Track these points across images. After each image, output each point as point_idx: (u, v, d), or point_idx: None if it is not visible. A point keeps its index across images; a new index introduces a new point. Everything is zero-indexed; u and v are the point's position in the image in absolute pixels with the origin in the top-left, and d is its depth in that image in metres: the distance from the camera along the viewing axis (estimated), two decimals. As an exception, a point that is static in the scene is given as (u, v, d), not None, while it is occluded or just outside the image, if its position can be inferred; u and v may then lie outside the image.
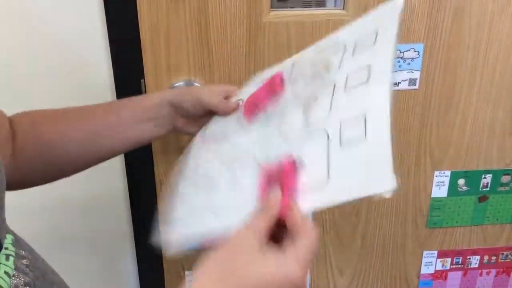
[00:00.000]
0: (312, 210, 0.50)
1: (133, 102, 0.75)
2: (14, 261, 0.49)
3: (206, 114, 0.74)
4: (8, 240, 0.51)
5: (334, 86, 0.57)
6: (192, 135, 0.76)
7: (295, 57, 0.71)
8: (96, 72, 0.98)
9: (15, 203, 0.62)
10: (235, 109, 0.72)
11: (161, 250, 1.15)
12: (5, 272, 0.47)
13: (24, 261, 0.52)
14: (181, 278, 1.19)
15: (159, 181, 1.07)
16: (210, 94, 0.73)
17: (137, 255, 1.14)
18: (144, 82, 0.99)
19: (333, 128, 0.53)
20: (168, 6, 0.94)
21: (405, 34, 1.01)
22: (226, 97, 0.74)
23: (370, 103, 0.51)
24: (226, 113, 0.72)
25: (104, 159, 0.75)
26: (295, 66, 0.68)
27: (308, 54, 0.69)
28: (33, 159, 0.68)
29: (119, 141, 0.73)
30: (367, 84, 0.53)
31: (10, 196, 0.58)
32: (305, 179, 0.52)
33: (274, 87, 0.66)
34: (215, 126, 0.74)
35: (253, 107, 0.67)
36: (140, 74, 0.99)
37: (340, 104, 0.55)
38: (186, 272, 1.19)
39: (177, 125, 0.75)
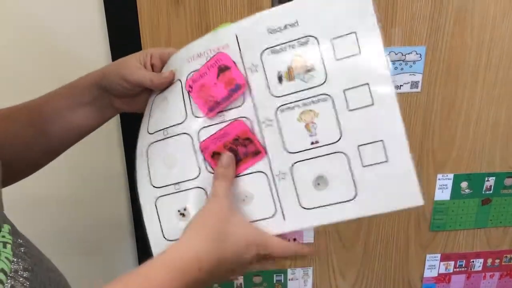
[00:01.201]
0: (340, 221, 0.55)
1: (65, 89, 0.69)
2: (12, 248, 0.51)
3: (134, 89, 0.66)
4: (5, 229, 0.52)
5: (333, 101, 0.55)
6: (139, 113, 0.69)
7: (234, 27, 0.60)
8: (97, 76, 0.98)
9: (15, 197, 0.63)
10: (170, 81, 0.64)
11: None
12: (6, 258, 0.49)
13: (22, 249, 0.53)
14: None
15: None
16: (132, 69, 0.64)
17: (138, 253, 1.14)
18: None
19: (352, 151, 0.55)
20: (168, 10, 0.94)
21: (407, 37, 1.00)
22: (153, 64, 0.66)
23: (384, 129, 0.54)
24: (159, 87, 0.64)
25: (58, 150, 0.71)
26: (243, 45, 0.59)
27: (256, 28, 0.58)
28: None
29: (62, 130, 0.68)
30: (373, 107, 0.54)
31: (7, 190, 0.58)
32: (329, 194, 0.56)
33: (231, 79, 0.59)
34: (159, 113, 0.65)
35: (212, 104, 0.60)
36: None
37: (350, 126, 0.55)
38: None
39: (116, 106, 0.69)
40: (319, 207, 0.56)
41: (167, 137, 0.62)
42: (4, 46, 0.94)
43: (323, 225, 0.56)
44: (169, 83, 0.64)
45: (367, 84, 0.54)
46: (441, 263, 1.24)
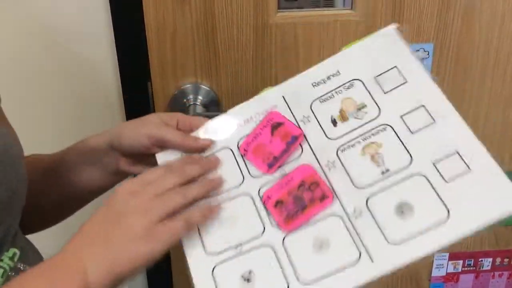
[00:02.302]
0: (437, 250, 0.49)
1: (80, 144, 0.68)
2: (3, 274, 0.50)
3: (152, 149, 0.62)
4: (8, 253, 0.51)
5: (393, 129, 0.55)
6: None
7: (278, 90, 0.62)
8: (103, 75, 0.99)
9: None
10: (205, 148, 0.60)
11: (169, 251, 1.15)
12: None
13: None
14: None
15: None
16: (157, 125, 0.62)
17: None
18: (151, 84, 0.99)
19: (428, 170, 0.52)
20: (174, 8, 0.94)
21: (414, 34, 0.99)
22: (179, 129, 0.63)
23: (454, 140, 0.52)
24: (188, 149, 0.60)
25: (67, 208, 0.71)
26: (291, 103, 0.61)
27: (300, 85, 0.62)
28: None
29: (71, 187, 0.67)
30: (435, 124, 0.53)
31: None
32: (418, 219, 0.50)
33: (286, 132, 0.59)
34: None
35: (271, 160, 0.58)
36: (147, 76, 0.99)
37: (418, 147, 0.54)
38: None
39: (119, 167, 0.66)
40: (409, 238, 0.49)
41: (224, 200, 0.57)
42: (9, 43, 0.94)
43: (419, 259, 0.48)
44: (202, 150, 0.60)
45: (423, 105, 0.55)
46: (449, 262, 1.23)
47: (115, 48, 0.95)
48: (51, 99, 1.00)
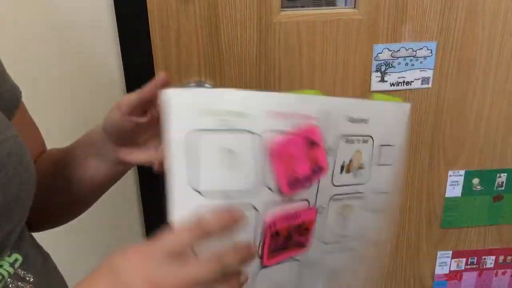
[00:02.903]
0: None
1: (83, 137, 0.65)
2: (1, 280, 0.49)
3: (130, 122, 0.57)
4: (10, 259, 0.50)
5: (366, 201, 0.60)
6: (145, 165, 0.60)
7: (326, 102, 0.58)
8: (107, 74, 0.99)
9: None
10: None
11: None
12: None
13: (20, 284, 0.51)
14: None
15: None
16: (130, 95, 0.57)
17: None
18: (155, 83, 1.00)
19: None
20: (178, 7, 0.94)
21: (418, 33, 0.99)
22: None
23: None
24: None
25: (75, 204, 0.69)
26: (329, 123, 0.56)
27: (339, 111, 0.58)
28: None
29: (77, 181, 0.65)
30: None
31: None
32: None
33: (316, 157, 0.54)
34: (215, 166, 0.50)
35: (293, 180, 0.53)
36: (151, 75, 0.99)
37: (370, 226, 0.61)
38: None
39: (119, 157, 0.61)
40: None
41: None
42: (23, 46, 0.95)
43: None
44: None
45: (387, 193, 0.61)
46: (453, 260, 1.23)
47: (119, 47, 0.96)
48: (55, 99, 1.00)
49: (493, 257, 1.24)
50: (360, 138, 0.60)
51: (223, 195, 0.49)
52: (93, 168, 0.65)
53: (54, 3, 0.93)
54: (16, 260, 0.51)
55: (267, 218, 0.51)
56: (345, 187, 0.58)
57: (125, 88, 0.99)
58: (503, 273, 1.27)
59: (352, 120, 0.59)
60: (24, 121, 0.63)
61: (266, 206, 0.51)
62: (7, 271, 0.50)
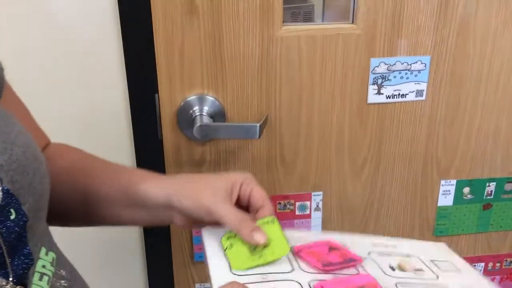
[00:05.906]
0: None
1: (130, 189, 0.62)
2: (48, 281, 0.48)
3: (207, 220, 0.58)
4: (48, 258, 0.49)
5: None
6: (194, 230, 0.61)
7: (368, 243, 0.66)
8: (111, 87, 0.99)
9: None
10: (257, 243, 0.55)
11: (171, 262, 1.16)
12: None
13: (63, 282, 0.51)
14: (190, 290, 1.19)
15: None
16: (217, 199, 0.56)
17: (147, 267, 1.14)
18: (158, 96, 1.01)
19: None
20: (182, 20, 0.96)
21: (412, 47, 1.04)
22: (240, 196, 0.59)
23: None
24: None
25: (91, 223, 0.68)
26: (352, 245, 0.63)
27: (362, 240, 0.67)
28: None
29: (106, 215, 0.64)
30: None
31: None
32: None
33: (343, 254, 0.59)
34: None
35: (326, 262, 0.57)
36: (154, 88, 1.00)
37: None
38: (197, 285, 1.20)
39: (173, 221, 0.62)
40: None
41: (267, 281, 0.53)
42: (29, 53, 0.95)
43: None
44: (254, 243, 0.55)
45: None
46: (443, 267, 1.27)
47: (123, 59, 0.97)
48: (58, 110, 1.00)
49: (483, 264, 1.28)
50: (396, 253, 0.65)
51: (261, 276, 0.53)
52: (134, 215, 0.63)
53: (56, 6, 0.94)
54: (53, 258, 0.51)
55: (318, 283, 0.53)
56: (410, 279, 0.60)
57: (128, 100, 1.00)
58: (492, 279, 1.31)
59: (375, 244, 0.66)
60: (14, 102, 0.61)
61: (311, 283, 0.54)
62: (50, 271, 0.49)
